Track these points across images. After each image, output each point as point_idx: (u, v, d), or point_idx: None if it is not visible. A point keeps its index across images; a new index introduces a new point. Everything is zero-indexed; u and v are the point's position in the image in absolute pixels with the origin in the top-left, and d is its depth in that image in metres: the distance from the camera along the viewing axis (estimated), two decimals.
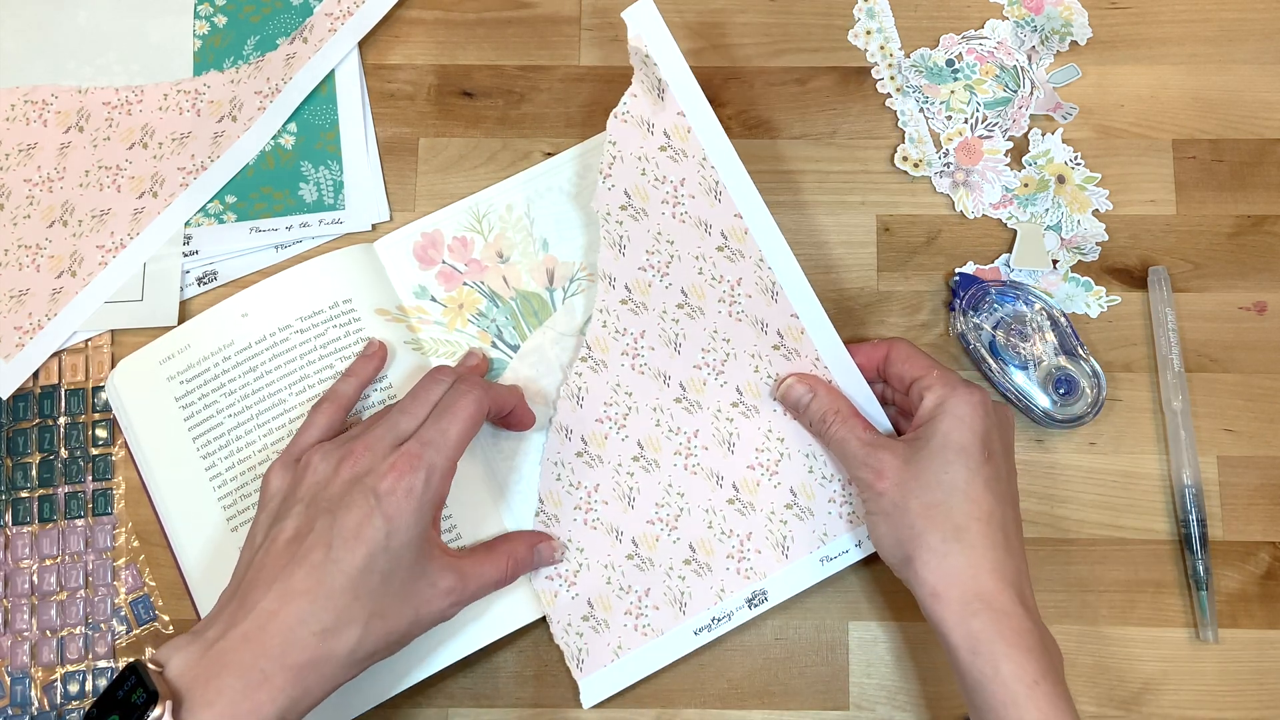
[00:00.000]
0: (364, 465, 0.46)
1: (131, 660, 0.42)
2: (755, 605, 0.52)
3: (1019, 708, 0.42)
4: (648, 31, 0.50)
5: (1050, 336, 0.54)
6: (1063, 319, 0.55)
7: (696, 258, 0.52)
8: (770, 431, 0.53)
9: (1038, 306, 0.55)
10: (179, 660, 0.42)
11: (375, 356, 0.54)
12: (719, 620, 0.52)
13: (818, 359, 0.52)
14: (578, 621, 0.53)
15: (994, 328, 0.55)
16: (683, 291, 0.53)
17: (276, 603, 0.43)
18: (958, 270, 0.57)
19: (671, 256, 0.53)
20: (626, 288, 0.53)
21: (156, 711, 0.39)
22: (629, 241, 0.53)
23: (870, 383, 0.52)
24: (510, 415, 0.52)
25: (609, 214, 0.53)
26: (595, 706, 0.53)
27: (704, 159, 0.51)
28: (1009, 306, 0.55)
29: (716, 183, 0.51)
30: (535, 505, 0.54)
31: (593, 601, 0.53)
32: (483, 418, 0.48)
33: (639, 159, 0.52)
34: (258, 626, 0.42)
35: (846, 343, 0.52)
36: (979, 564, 0.45)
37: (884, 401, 0.52)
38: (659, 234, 0.52)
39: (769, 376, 0.53)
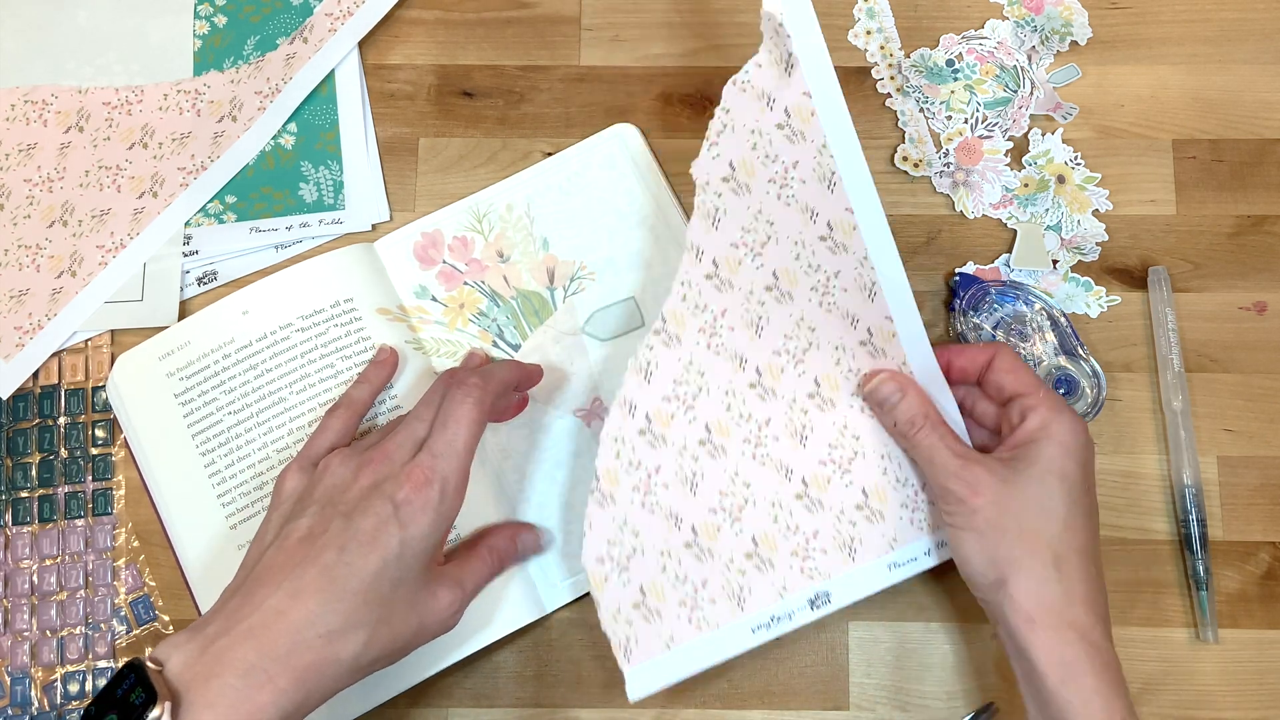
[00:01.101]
0: (383, 473, 0.46)
1: (130, 658, 0.41)
2: (818, 607, 0.50)
3: None
4: (789, 1, 0.46)
5: (1050, 336, 0.54)
6: (1063, 319, 0.55)
7: (795, 243, 0.49)
8: (846, 428, 0.51)
9: (1038, 306, 0.55)
10: (179, 658, 0.41)
11: (387, 363, 0.54)
12: (778, 619, 0.50)
13: (904, 363, 0.49)
14: (628, 609, 0.49)
15: (994, 328, 0.55)
16: (774, 274, 0.50)
17: (285, 601, 0.42)
18: (958, 270, 0.57)
19: (769, 237, 0.49)
20: (714, 262, 0.49)
21: (155, 712, 0.38)
22: (725, 215, 0.49)
23: (963, 385, 0.51)
24: (508, 410, 0.53)
25: (708, 184, 0.49)
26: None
27: (824, 145, 0.48)
28: (1009, 306, 0.55)
29: (833, 173, 0.48)
30: (534, 516, 0.53)
31: (645, 589, 0.49)
32: (485, 415, 0.48)
33: (752, 132, 0.48)
34: (263, 624, 0.41)
35: (941, 345, 0.50)
36: (1074, 595, 0.45)
37: (964, 408, 0.51)
38: (759, 212, 0.49)
39: (850, 370, 0.51)
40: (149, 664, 0.41)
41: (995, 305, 0.55)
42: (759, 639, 0.50)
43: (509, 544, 0.51)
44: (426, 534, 0.44)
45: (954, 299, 0.56)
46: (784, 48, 0.47)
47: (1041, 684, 0.44)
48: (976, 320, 0.55)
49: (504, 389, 0.50)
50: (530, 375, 0.53)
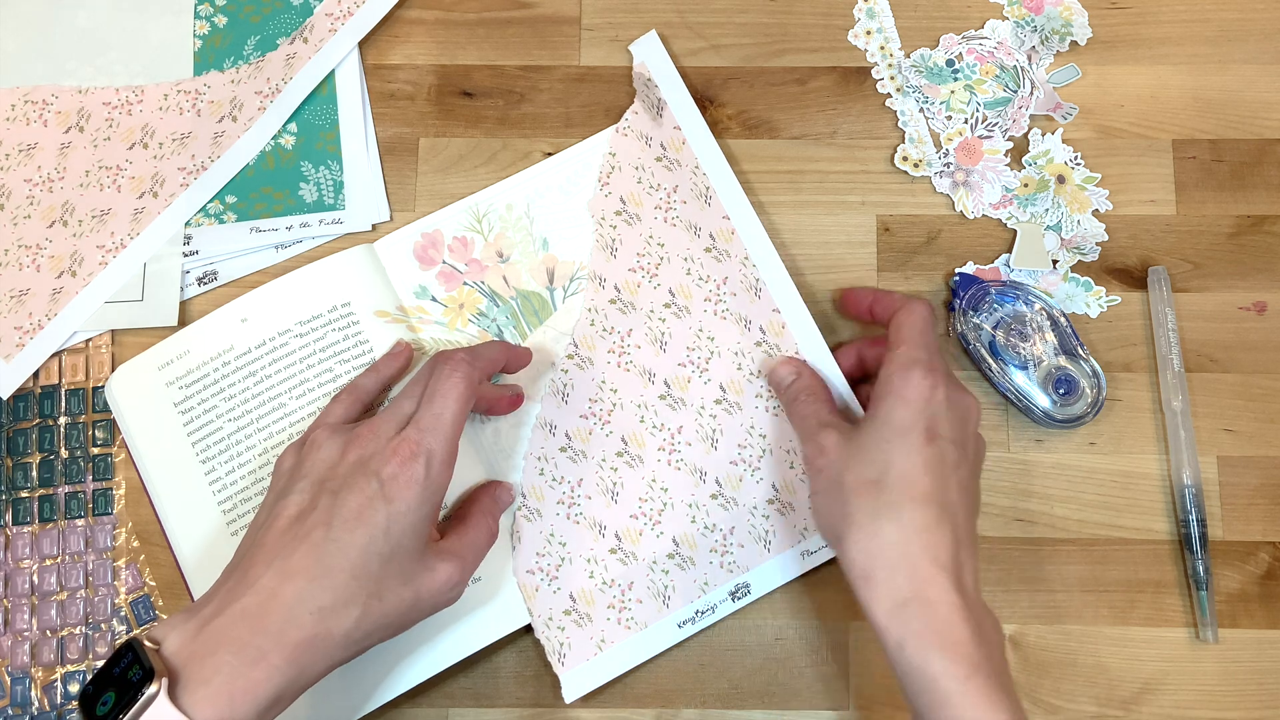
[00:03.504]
0: (369, 449, 0.46)
1: (128, 638, 0.42)
2: (739, 598, 0.53)
3: (952, 707, 0.40)
4: (651, 59, 0.57)
5: (1050, 336, 0.54)
6: (1063, 319, 0.55)
7: (685, 259, 0.55)
8: (753, 428, 0.54)
9: (1038, 306, 0.55)
10: (175, 637, 0.41)
11: (400, 356, 0.54)
12: (702, 613, 0.53)
13: (797, 352, 0.53)
14: (559, 616, 0.53)
15: (994, 328, 0.55)
16: (670, 291, 0.55)
17: (276, 580, 0.42)
18: (958, 270, 0.57)
19: (661, 259, 0.55)
20: (616, 288, 0.56)
21: (152, 689, 0.39)
22: (621, 244, 0.56)
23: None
24: (502, 401, 0.53)
25: (604, 218, 0.56)
26: (578, 701, 0.53)
27: (696, 166, 0.55)
28: (1009, 306, 0.55)
29: (707, 188, 0.54)
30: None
31: (575, 595, 0.53)
32: (473, 391, 0.48)
33: (636, 168, 0.56)
34: (256, 603, 0.42)
35: (839, 345, 0.53)
36: (910, 545, 0.43)
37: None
38: (650, 237, 0.56)
39: (751, 374, 0.54)
40: (146, 643, 0.41)
41: (995, 305, 0.55)
42: (685, 633, 0.53)
43: (491, 504, 0.52)
44: (414, 508, 0.44)
45: (954, 299, 0.56)
46: (654, 95, 0.56)
47: (885, 651, 0.42)
48: (976, 320, 0.55)
49: (492, 367, 0.51)
50: (519, 357, 0.54)
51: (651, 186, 0.56)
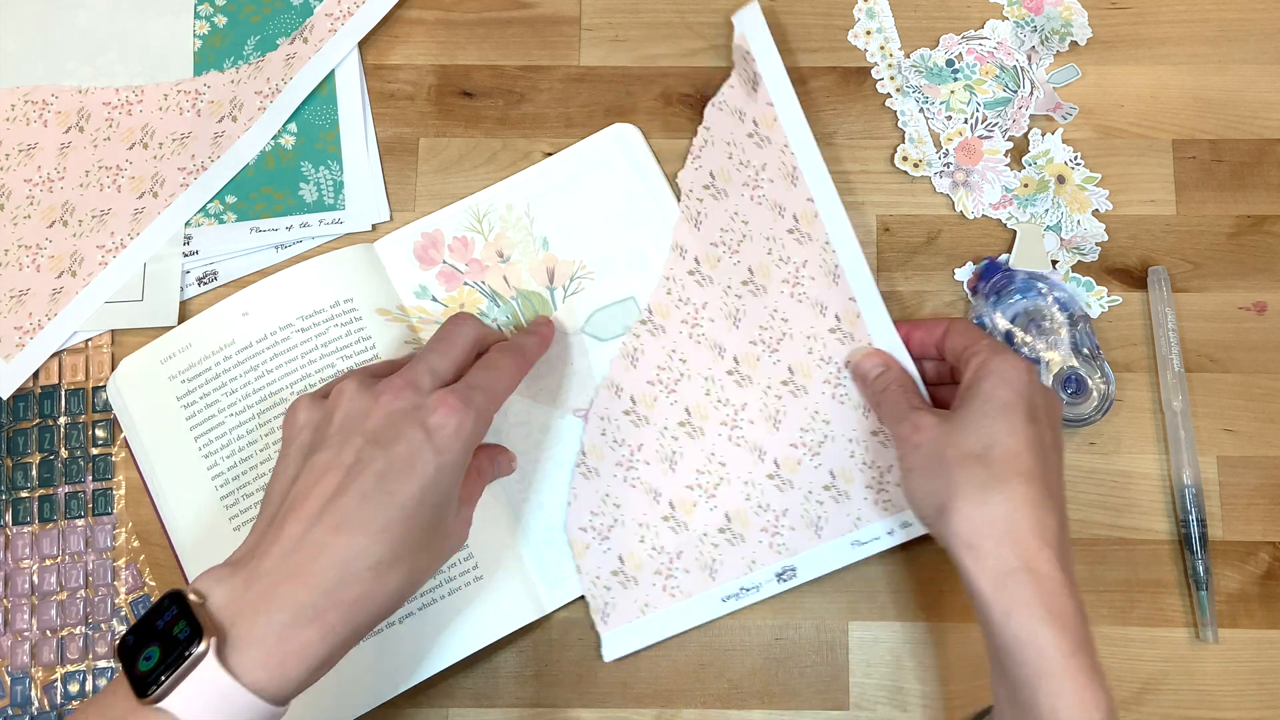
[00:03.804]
0: (409, 400, 0.44)
1: (173, 589, 0.40)
2: (784, 580, 0.53)
3: (1055, 679, 0.40)
4: (751, 30, 0.55)
5: (1066, 335, 0.55)
6: (1082, 320, 0.55)
7: (767, 238, 0.54)
8: (817, 413, 0.54)
9: (1053, 298, 0.55)
10: (222, 591, 0.39)
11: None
12: (747, 590, 0.53)
13: (870, 343, 0.52)
14: (606, 575, 0.53)
15: (1011, 320, 0.55)
16: (750, 270, 0.55)
17: (326, 533, 0.40)
18: (986, 257, 0.57)
19: (744, 236, 0.55)
20: (696, 260, 0.56)
21: (200, 647, 0.37)
22: (705, 218, 0.56)
23: (932, 360, 0.52)
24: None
25: (691, 191, 0.57)
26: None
27: (785, 145, 0.54)
28: (1030, 300, 0.55)
29: (794, 168, 0.53)
30: (529, 515, 0.54)
31: (624, 557, 0.53)
32: (520, 380, 0.49)
33: (728, 144, 0.56)
34: (309, 558, 0.40)
35: (902, 321, 0.52)
36: (1017, 518, 0.42)
37: (942, 381, 0.52)
38: (735, 213, 0.55)
39: (822, 359, 0.53)
40: (191, 596, 0.39)
41: (1018, 295, 0.55)
42: (728, 608, 0.53)
43: (488, 463, 0.51)
44: (458, 460, 0.43)
45: (979, 282, 0.56)
46: (750, 69, 0.55)
47: (987, 618, 0.42)
48: (997, 307, 0.55)
49: (534, 361, 0.52)
50: (545, 339, 0.54)
51: (741, 163, 0.55)
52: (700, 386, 0.55)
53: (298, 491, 0.42)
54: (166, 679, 0.37)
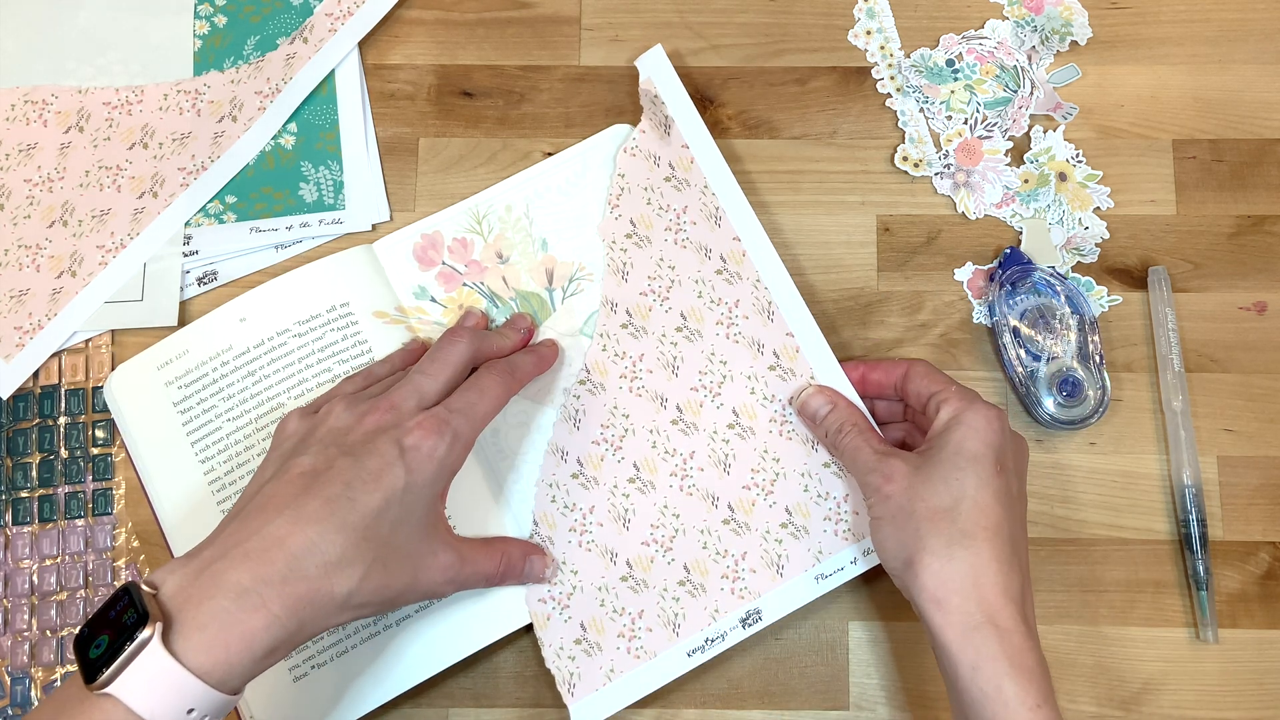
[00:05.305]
0: (389, 419, 0.46)
1: (126, 581, 0.40)
2: (749, 625, 0.52)
3: None
4: (657, 75, 0.55)
5: (1074, 339, 0.54)
6: (1090, 325, 0.55)
7: (696, 281, 0.54)
8: (766, 452, 0.53)
9: (1069, 301, 0.55)
10: (173, 581, 0.40)
11: (415, 352, 0.54)
12: (712, 641, 0.52)
13: (813, 378, 0.52)
14: (570, 645, 0.52)
15: (1020, 317, 0.55)
16: (682, 315, 0.54)
17: (285, 528, 0.41)
18: (1009, 247, 0.57)
19: (673, 281, 0.55)
20: (628, 312, 0.55)
21: (145, 633, 0.38)
22: (632, 267, 0.55)
23: (887, 400, 0.52)
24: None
25: (614, 242, 0.56)
26: None
27: (705, 186, 0.54)
28: (1044, 296, 0.55)
29: (717, 208, 0.53)
30: (530, 520, 0.54)
31: (585, 624, 0.52)
32: (507, 399, 0.50)
33: (645, 189, 0.55)
34: (261, 548, 0.40)
35: (846, 358, 0.53)
36: (983, 574, 0.44)
37: (894, 420, 0.53)
38: (661, 260, 0.55)
39: (765, 398, 0.53)
40: (144, 586, 0.40)
41: (1034, 290, 0.55)
42: (694, 661, 0.52)
43: (520, 558, 0.51)
44: (430, 482, 0.45)
45: (999, 270, 0.56)
46: (661, 113, 0.55)
47: (954, 673, 0.43)
48: (1010, 299, 0.55)
49: (526, 381, 0.52)
50: (545, 360, 0.55)
51: (661, 208, 0.55)
52: (646, 440, 0.54)
53: (267, 490, 0.43)
54: (113, 664, 0.38)
